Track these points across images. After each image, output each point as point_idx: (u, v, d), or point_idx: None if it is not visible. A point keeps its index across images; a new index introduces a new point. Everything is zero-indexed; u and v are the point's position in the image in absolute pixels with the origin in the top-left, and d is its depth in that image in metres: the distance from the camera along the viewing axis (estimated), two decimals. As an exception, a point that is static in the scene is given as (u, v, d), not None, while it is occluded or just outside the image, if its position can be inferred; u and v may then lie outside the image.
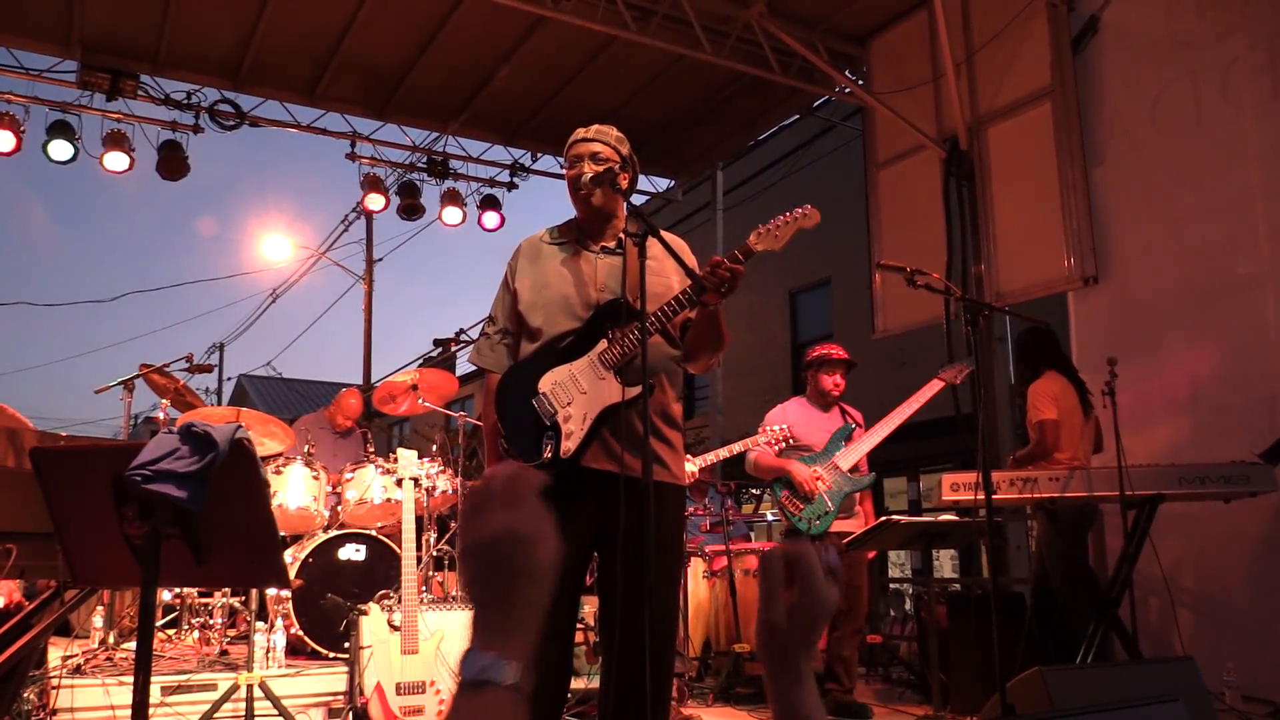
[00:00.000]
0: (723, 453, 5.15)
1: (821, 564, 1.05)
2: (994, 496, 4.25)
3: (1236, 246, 5.20)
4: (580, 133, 2.88)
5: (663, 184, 10.08)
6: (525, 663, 0.93)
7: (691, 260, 2.75)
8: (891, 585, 11.05)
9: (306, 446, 5.44)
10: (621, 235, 2.83)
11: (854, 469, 4.87)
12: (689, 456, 4.95)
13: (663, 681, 2.73)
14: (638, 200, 10.69)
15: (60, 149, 7.34)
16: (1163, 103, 5.64)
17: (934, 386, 4.88)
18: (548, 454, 2.62)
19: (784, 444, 4.88)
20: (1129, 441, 4.46)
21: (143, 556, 2.05)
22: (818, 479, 4.78)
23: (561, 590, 2.62)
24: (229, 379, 27.75)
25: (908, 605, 9.34)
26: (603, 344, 2.69)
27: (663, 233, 2.64)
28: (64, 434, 3.17)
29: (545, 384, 2.70)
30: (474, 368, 3.12)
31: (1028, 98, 6.42)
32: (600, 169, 2.78)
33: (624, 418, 2.62)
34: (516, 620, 0.96)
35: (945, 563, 12.06)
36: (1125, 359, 4.74)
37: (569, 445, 2.62)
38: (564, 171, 2.89)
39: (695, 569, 6.25)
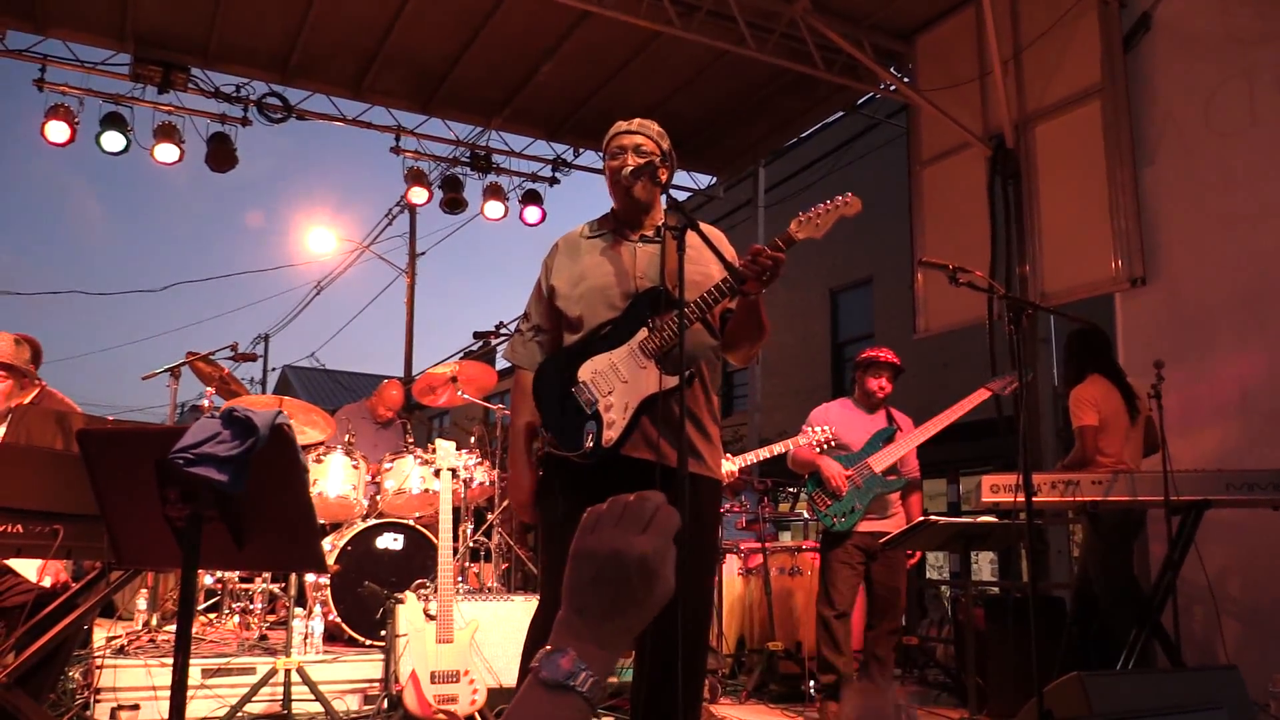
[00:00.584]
0: (763, 453, 5.13)
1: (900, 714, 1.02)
2: (1034, 499, 4.21)
3: (1291, 249, 5.08)
4: (622, 125, 2.88)
5: (705, 180, 10.06)
6: (604, 680, 0.93)
7: (730, 252, 2.74)
8: (929, 587, 10.95)
9: (347, 436, 5.50)
10: (660, 225, 2.83)
11: (891, 471, 4.84)
12: (728, 455, 4.94)
13: (694, 677, 2.72)
14: (679, 196, 10.72)
15: (113, 140, 7.48)
16: (1216, 101, 5.52)
17: (979, 396, 4.83)
18: (589, 443, 2.61)
19: (826, 445, 4.87)
20: (1175, 446, 4.37)
21: (184, 539, 2.09)
22: (847, 477, 4.77)
23: None
24: (274, 369, 28.15)
25: (946, 607, 9.24)
26: (643, 332, 2.67)
27: (701, 225, 2.64)
28: (111, 418, 3.24)
29: (585, 372, 2.70)
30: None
31: (1077, 96, 6.31)
32: (642, 161, 2.78)
33: (664, 406, 2.61)
34: (616, 640, 0.95)
35: (984, 565, 11.93)
36: (1173, 362, 4.65)
37: (611, 434, 2.61)
38: (605, 164, 2.88)
39: (730, 566, 6.23)
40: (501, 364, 10.03)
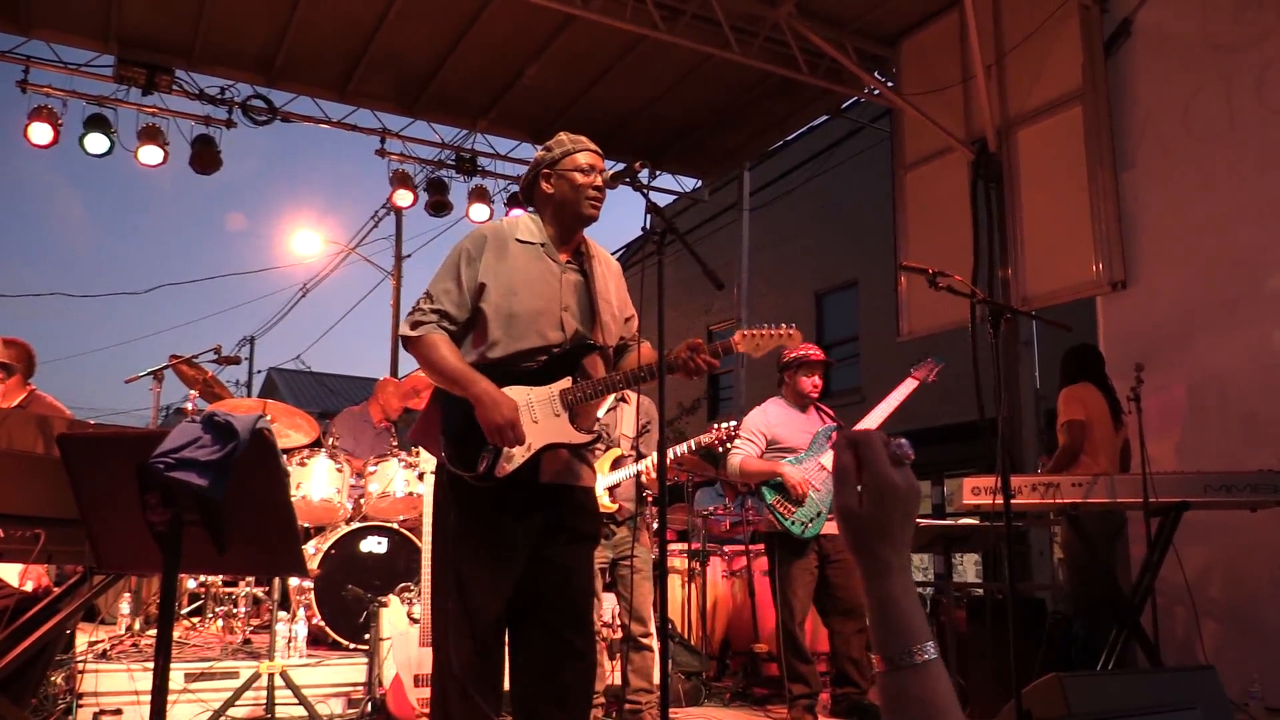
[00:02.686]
0: (682, 448, 5.02)
1: (889, 449, 1.04)
2: (1015, 501, 4.23)
3: (1268, 253, 5.13)
4: (587, 142, 2.88)
5: (690, 183, 10.09)
6: None
7: (623, 286, 2.92)
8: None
9: (331, 439, 5.48)
10: (579, 250, 2.88)
11: None
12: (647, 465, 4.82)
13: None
14: (663, 200, 10.74)
15: (96, 142, 7.46)
16: (1195, 106, 5.57)
17: (908, 385, 4.81)
18: (482, 468, 2.62)
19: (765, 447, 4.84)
20: (1154, 448, 4.42)
21: (165, 543, 2.08)
22: (807, 481, 4.73)
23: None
24: (259, 372, 28.03)
25: (927, 608, 9.29)
26: (567, 381, 2.72)
27: (603, 253, 2.88)
28: (93, 422, 3.23)
29: None
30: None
31: (1058, 100, 6.37)
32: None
33: (569, 453, 2.76)
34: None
35: (968, 567, 11.98)
36: (1153, 365, 4.71)
37: (506, 467, 2.64)
38: (560, 178, 2.82)
39: (714, 568, 6.24)
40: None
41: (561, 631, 2.71)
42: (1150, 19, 5.93)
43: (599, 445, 2.94)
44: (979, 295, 3.35)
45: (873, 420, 4.79)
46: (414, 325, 2.76)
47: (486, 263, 2.75)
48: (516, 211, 9.06)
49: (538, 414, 2.70)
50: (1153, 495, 4.17)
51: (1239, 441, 5.02)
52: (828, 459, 4.75)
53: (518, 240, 2.81)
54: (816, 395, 4.95)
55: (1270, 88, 5.21)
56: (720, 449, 4.88)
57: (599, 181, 2.82)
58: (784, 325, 2.89)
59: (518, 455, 2.65)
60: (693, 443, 4.91)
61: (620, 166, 2.81)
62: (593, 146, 2.89)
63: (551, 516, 2.73)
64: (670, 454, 5.01)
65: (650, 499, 5.75)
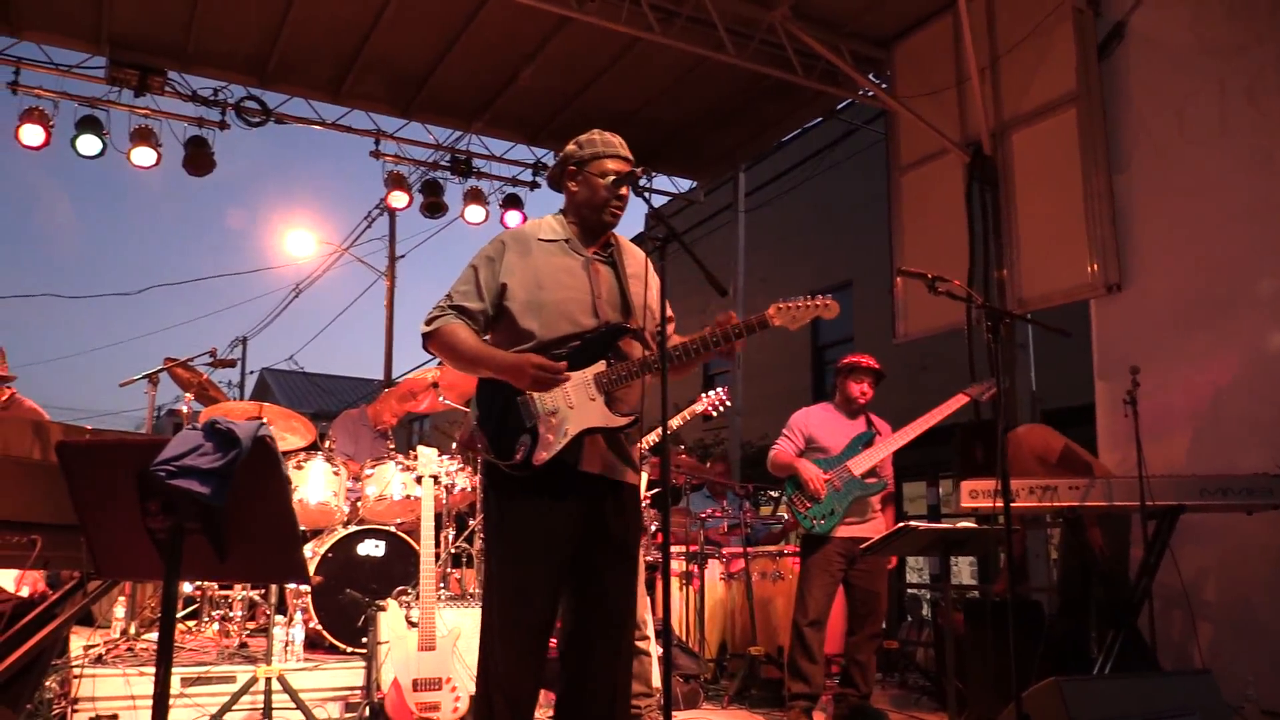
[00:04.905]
0: (675, 421, 5.01)
1: None
2: (1013, 504, 4.25)
3: (1261, 255, 5.15)
4: (620, 147, 2.88)
5: (685, 185, 10.09)
6: None
7: (654, 279, 2.85)
8: (909, 590, 10.98)
9: (328, 442, 5.47)
10: (613, 241, 2.89)
11: (870, 474, 4.87)
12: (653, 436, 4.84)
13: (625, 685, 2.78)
14: (659, 201, 10.71)
15: (88, 144, 7.43)
16: (1189, 110, 5.59)
17: (958, 401, 4.88)
18: (519, 456, 2.61)
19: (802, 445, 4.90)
20: (1150, 450, 4.43)
21: (165, 550, 2.07)
22: (825, 480, 4.80)
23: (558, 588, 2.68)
24: (251, 372, 27.90)
25: (925, 610, 9.30)
26: (602, 365, 2.70)
27: (632, 246, 2.87)
28: (89, 427, 3.22)
29: None
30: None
31: (1052, 103, 6.38)
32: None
33: (606, 439, 2.71)
34: None
35: (964, 569, 11.99)
36: (1148, 367, 4.72)
37: (543, 455, 2.61)
38: (588, 175, 2.83)
39: (712, 571, 6.25)
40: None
41: (593, 640, 2.68)
42: (1143, 23, 5.95)
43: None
44: (977, 300, 3.36)
45: (912, 432, 4.88)
46: (430, 321, 2.78)
47: (509, 263, 2.76)
48: (513, 214, 9.06)
49: (573, 399, 2.67)
50: (1149, 498, 4.20)
51: (1234, 444, 5.03)
52: (857, 464, 4.84)
53: (540, 240, 2.82)
54: (864, 402, 5.03)
55: (1262, 91, 5.23)
56: (714, 414, 4.91)
57: (623, 190, 2.82)
58: (820, 296, 2.85)
59: (555, 441, 2.62)
60: (686, 413, 4.95)
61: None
62: (624, 153, 2.89)
63: (593, 513, 2.68)
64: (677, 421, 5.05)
65: (647, 500, 5.78)
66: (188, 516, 2.05)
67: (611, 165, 2.83)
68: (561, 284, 2.74)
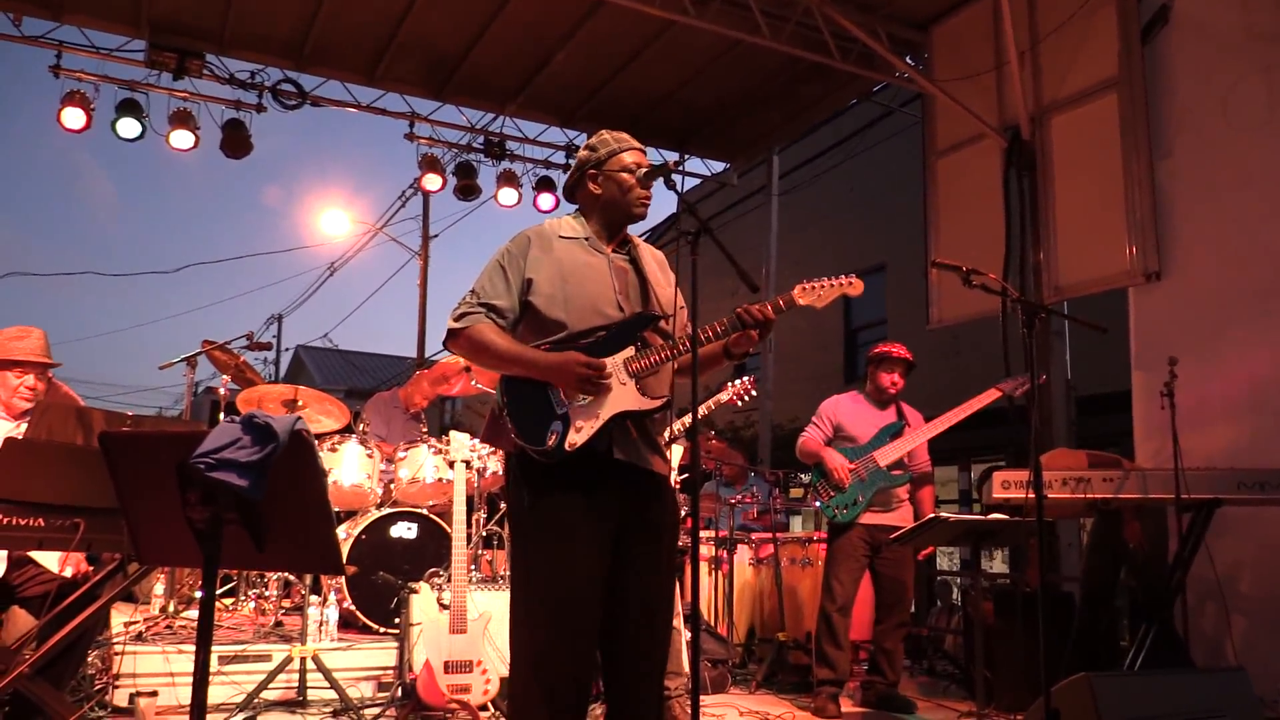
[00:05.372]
0: (710, 404, 5.02)
1: None
2: (1046, 496, 4.22)
3: (1306, 246, 5.06)
4: (631, 140, 2.88)
5: (718, 167, 10.05)
6: None
7: (670, 276, 2.90)
8: (939, 577, 10.94)
9: (362, 425, 5.53)
10: (629, 240, 2.89)
11: (896, 465, 4.86)
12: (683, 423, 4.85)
13: (661, 674, 2.76)
14: (692, 183, 10.67)
15: (128, 127, 7.52)
16: (1234, 97, 5.48)
17: (989, 395, 4.87)
18: (551, 443, 2.60)
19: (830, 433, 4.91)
20: (1187, 442, 4.38)
21: (204, 540, 2.12)
22: (850, 469, 4.80)
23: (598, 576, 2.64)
24: (287, 350, 28.22)
25: (955, 596, 9.26)
26: (630, 350, 2.69)
27: (647, 245, 2.88)
28: (130, 414, 3.28)
29: None
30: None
31: (1093, 88, 6.28)
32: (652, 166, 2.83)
33: (637, 424, 2.70)
34: None
35: (996, 555, 11.92)
36: (1186, 358, 4.66)
37: (576, 440, 2.60)
38: (609, 172, 2.83)
39: (741, 556, 6.27)
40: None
41: (631, 633, 2.64)
42: (1189, 7, 5.82)
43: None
44: (1013, 294, 3.33)
45: (941, 425, 4.87)
46: (459, 318, 2.75)
47: (533, 258, 2.75)
48: (546, 197, 9.06)
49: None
50: (1185, 491, 4.16)
51: (1273, 437, 4.96)
52: (883, 454, 4.84)
53: (561, 237, 2.82)
54: (895, 392, 5.03)
55: (1312, 78, 5.12)
56: (739, 404, 4.91)
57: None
58: (844, 275, 2.87)
59: (586, 427, 2.61)
60: (712, 402, 4.96)
61: (646, 150, 2.82)
62: (636, 144, 2.89)
63: (628, 501, 2.66)
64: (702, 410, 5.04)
65: (677, 485, 5.80)
66: (226, 507, 2.09)
67: (630, 158, 2.83)
68: (585, 278, 2.74)
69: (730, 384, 4.81)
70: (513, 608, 2.68)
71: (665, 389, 2.76)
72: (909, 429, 4.95)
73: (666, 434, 4.67)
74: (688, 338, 2.66)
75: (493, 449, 5.47)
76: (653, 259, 2.93)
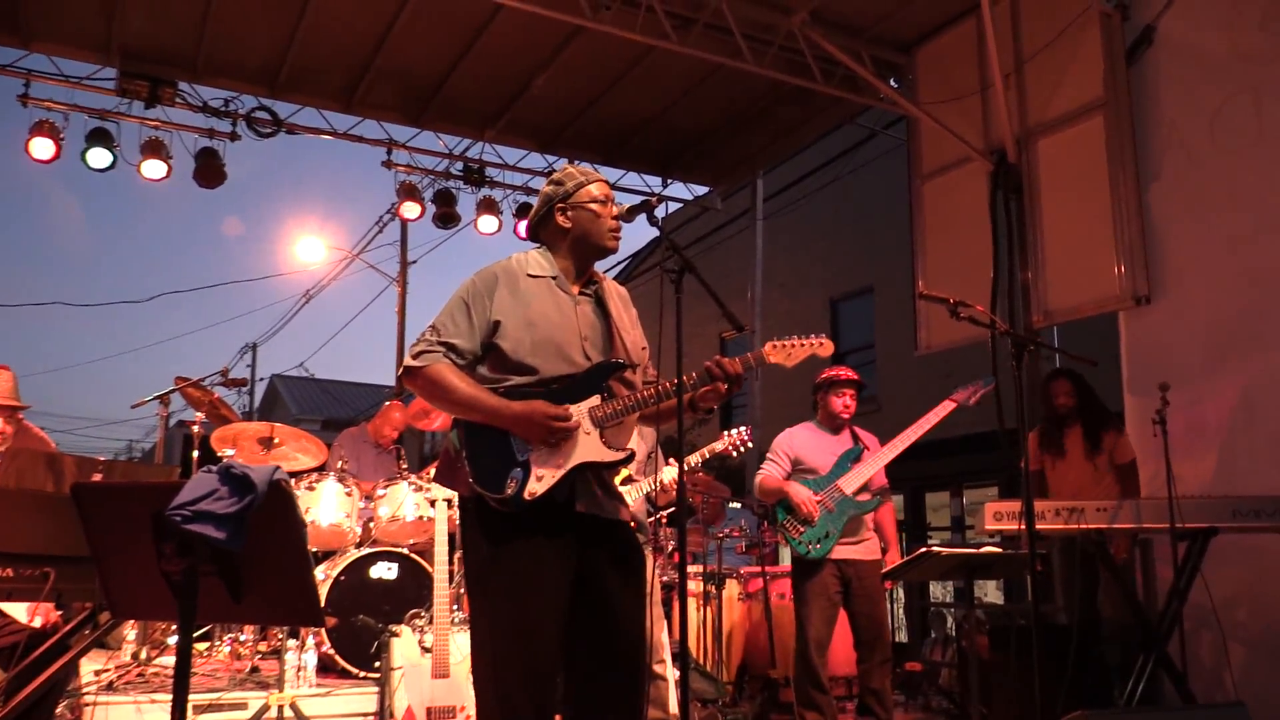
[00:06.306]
0: (695, 459, 5.02)
1: None
2: (1039, 526, 4.25)
3: (1297, 267, 5.13)
4: (596, 173, 2.91)
5: (700, 191, 10.11)
6: None
7: (634, 314, 2.96)
8: (932, 607, 10.96)
9: (340, 463, 5.51)
10: (596, 278, 2.90)
11: (861, 490, 4.80)
12: (671, 460, 4.85)
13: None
14: (674, 207, 10.70)
15: (99, 157, 7.50)
16: (1222, 117, 5.56)
17: (945, 408, 4.80)
18: (510, 491, 2.58)
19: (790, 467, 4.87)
20: (1180, 469, 4.41)
21: (180, 592, 2.11)
22: (818, 501, 4.73)
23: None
24: (261, 379, 28.12)
25: (949, 627, 9.28)
26: (595, 399, 2.70)
27: (612, 282, 2.93)
28: (101, 459, 3.27)
29: None
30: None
31: (1079, 110, 6.37)
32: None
33: (597, 474, 2.71)
34: None
35: (989, 587, 11.94)
36: (1178, 383, 4.70)
37: (536, 489, 2.59)
38: (576, 211, 2.83)
39: (730, 591, 6.26)
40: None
41: (607, 676, 2.64)
42: (1173, 27, 5.92)
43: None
44: (1001, 327, 3.37)
45: (901, 444, 4.81)
46: (417, 355, 2.71)
47: (500, 299, 2.73)
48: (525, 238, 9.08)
49: None
50: (1179, 520, 4.18)
51: (1268, 463, 5.01)
52: (847, 482, 4.77)
53: (529, 275, 2.81)
54: (848, 416, 4.96)
55: (1299, 99, 5.21)
56: (734, 455, 4.89)
57: (615, 212, 2.86)
58: (814, 336, 2.96)
59: (548, 476, 2.60)
60: (706, 451, 4.94)
61: (627, 174, 2.86)
62: (602, 177, 2.92)
63: (590, 552, 2.66)
64: (696, 458, 5.05)
65: (664, 520, 5.80)
66: (203, 559, 2.09)
67: (597, 190, 2.85)
68: (552, 323, 2.73)
69: (726, 433, 4.81)
70: (475, 657, 2.68)
71: (628, 440, 2.79)
72: (867, 452, 4.90)
73: (640, 475, 4.70)
74: (653, 385, 2.72)
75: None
76: (618, 297, 2.93)
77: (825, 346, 2.96)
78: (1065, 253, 6.42)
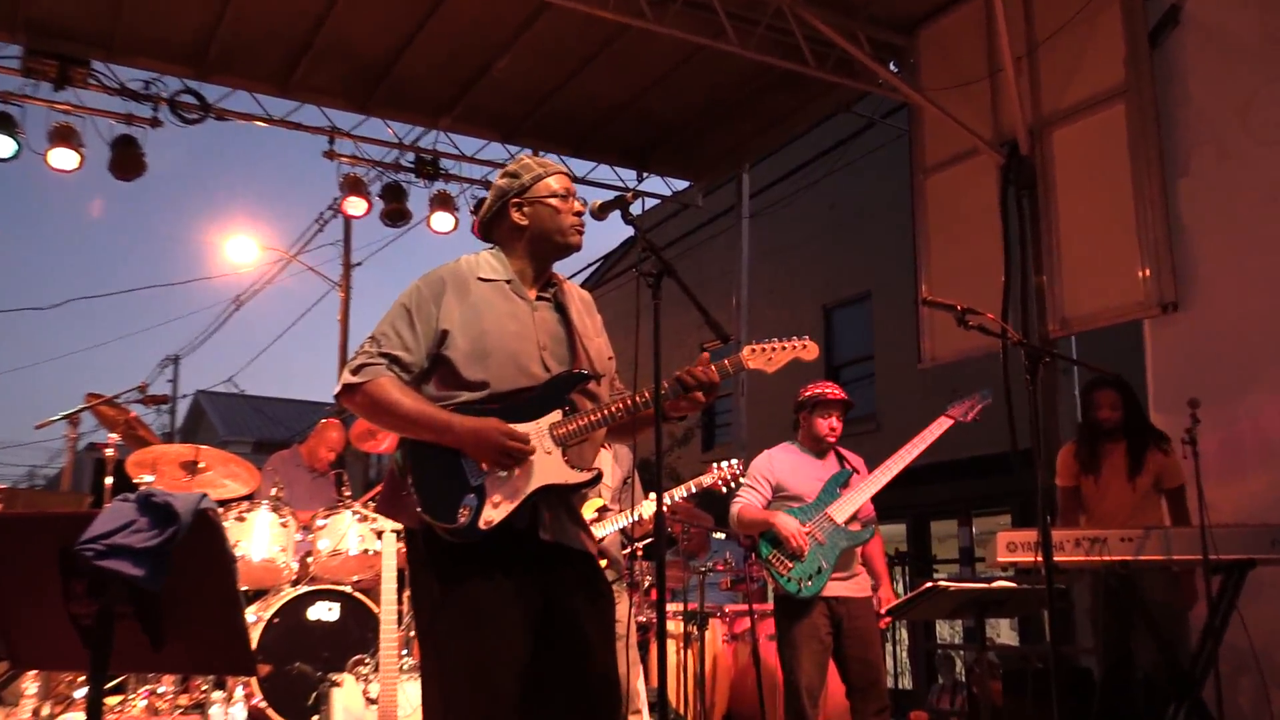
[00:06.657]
0: (679, 492, 4.99)
1: None
2: (1057, 558, 4.25)
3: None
4: (557, 164, 2.90)
5: (680, 185, 10.13)
6: None
7: (598, 321, 2.94)
8: (940, 649, 10.97)
9: (274, 490, 5.45)
10: (555, 281, 2.89)
11: (852, 519, 4.74)
12: (649, 496, 4.82)
13: None
14: (651, 203, 10.72)
15: (1, 145, 7.41)
16: (1256, 105, 5.61)
17: (941, 425, 4.78)
18: (463, 520, 2.56)
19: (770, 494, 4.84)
20: (1213, 495, 4.43)
21: (92, 639, 2.07)
22: (807, 533, 4.66)
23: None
24: (184, 396, 27.85)
25: (958, 672, 9.30)
26: (557, 414, 2.68)
27: (573, 285, 2.91)
28: (3, 485, 3.21)
29: None
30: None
31: (1098, 97, 6.43)
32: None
33: (561, 498, 2.70)
34: None
35: (1001, 625, 11.98)
36: (1209, 400, 4.72)
37: (492, 516, 2.57)
38: (539, 203, 2.81)
39: (714, 632, 6.24)
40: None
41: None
42: (1201, 7, 5.98)
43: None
44: (1013, 337, 3.37)
45: (894, 467, 4.77)
46: (356, 370, 2.67)
47: (448, 307, 2.71)
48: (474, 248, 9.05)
49: None
50: (1213, 551, 4.19)
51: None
52: (837, 510, 4.72)
53: (480, 279, 2.78)
54: (835, 439, 4.90)
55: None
56: (724, 491, 4.85)
57: (578, 206, 2.84)
58: (796, 338, 2.97)
59: (505, 503, 2.58)
60: (691, 485, 4.90)
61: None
62: (564, 169, 2.91)
63: (553, 583, 2.64)
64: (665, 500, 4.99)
65: (640, 553, 5.76)
66: (118, 600, 2.05)
67: (557, 182, 2.83)
68: (506, 331, 2.72)
69: (716, 466, 4.79)
70: (425, 708, 2.65)
71: (594, 458, 2.77)
72: (857, 476, 4.86)
73: (615, 505, 4.68)
74: (622, 398, 2.71)
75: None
76: (580, 302, 2.93)
77: (809, 349, 2.98)
78: (1084, 255, 6.46)
